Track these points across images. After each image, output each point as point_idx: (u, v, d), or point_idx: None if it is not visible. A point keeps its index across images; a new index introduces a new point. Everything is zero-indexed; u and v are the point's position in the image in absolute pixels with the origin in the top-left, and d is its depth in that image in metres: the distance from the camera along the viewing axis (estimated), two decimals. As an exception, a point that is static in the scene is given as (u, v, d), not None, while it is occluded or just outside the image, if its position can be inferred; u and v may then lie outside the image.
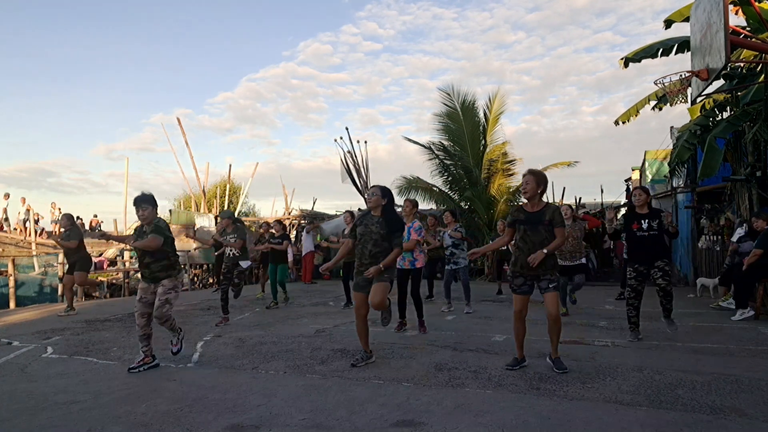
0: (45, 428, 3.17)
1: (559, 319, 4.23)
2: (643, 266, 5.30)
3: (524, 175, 4.38)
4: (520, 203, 4.45)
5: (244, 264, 7.15)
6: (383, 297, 4.44)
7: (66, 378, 4.31)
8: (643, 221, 5.30)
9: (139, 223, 4.71)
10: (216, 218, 17.36)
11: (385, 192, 4.62)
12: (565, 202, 16.67)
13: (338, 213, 18.77)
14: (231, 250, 7.08)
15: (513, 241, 4.50)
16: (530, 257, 4.12)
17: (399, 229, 4.57)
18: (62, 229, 8.31)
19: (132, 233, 4.79)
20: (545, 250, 4.11)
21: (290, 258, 10.58)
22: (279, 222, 9.39)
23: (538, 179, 4.27)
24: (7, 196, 20.73)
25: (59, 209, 22.85)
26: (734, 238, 8.24)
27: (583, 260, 7.45)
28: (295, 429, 3.08)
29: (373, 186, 4.72)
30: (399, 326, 6.19)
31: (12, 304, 12.54)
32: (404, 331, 6.12)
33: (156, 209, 4.61)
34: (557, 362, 4.24)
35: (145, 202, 4.54)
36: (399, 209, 6.23)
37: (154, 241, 4.44)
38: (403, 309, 6.23)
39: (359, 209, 15.96)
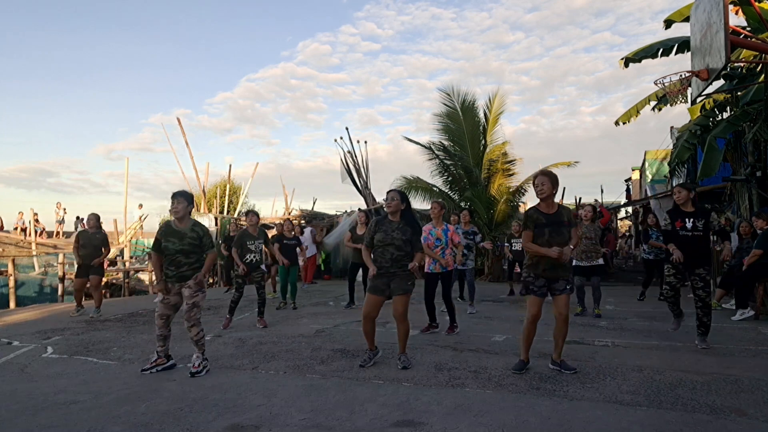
0: (45, 428, 3.17)
1: (568, 320, 4.21)
2: (682, 266, 5.07)
3: (538, 176, 4.23)
4: (535, 205, 4.37)
5: (263, 267, 6.99)
6: (407, 307, 4.49)
7: (66, 378, 4.31)
8: (687, 220, 5.01)
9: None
10: (216, 219, 17.34)
11: (404, 197, 4.67)
12: (565, 202, 16.66)
13: (338, 213, 18.76)
14: (254, 255, 6.74)
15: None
16: (563, 249, 4.03)
17: (420, 232, 4.71)
18: (89, 229, 8.08)
19: (152, 242, 4.83)
20: (572, 246, 4.15)
21: (301, 262, 10.52)
22: (291, 222, 9.22)
23: (552, 180, 4.17)
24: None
25: (64, 209, 23.02)
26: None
27: (600, 261, 7.46)
28: (295, 429, 3.09)
29: (392, 191, 4.68)
30: (428, 328, 6.08)
31: (12, 304, 12.55)
32: (433, 333, 6.02)
33: (191, 207, 4.67)
34: (564, 364, 4.22)
35: (181, 196, 4.62)
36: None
37: (215, 256, 4.74)
38: (433, 312, 6.11)
39: (359, 209, 15.97)
